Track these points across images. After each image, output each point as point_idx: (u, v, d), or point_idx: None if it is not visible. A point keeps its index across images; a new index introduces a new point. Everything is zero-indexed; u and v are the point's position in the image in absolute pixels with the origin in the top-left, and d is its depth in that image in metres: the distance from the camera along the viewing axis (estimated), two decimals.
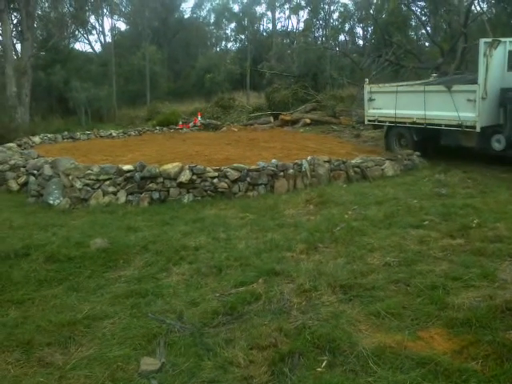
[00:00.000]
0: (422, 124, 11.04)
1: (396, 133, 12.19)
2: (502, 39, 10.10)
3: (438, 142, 11.28)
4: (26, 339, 3.50)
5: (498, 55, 9.84)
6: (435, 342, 3.31)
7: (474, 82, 10.02)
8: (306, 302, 4.00)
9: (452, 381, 2.87)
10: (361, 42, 39.46)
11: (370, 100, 12.55)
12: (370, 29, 35.60)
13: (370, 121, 12.83)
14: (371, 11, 27.73)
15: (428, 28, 25.73)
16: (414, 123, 11.25)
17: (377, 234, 5.73)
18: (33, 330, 3.64)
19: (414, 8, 25.13)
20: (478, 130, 9.83)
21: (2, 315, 3.93)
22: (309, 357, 3.19)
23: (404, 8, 25.51)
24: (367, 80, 13.17)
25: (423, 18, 26.17)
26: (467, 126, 10.00)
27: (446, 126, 10.53)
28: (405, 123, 11.53)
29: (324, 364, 3.11)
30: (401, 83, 12.75)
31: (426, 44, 29.68)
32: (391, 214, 6.53)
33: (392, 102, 11.65)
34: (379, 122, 12.46)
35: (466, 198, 7.35)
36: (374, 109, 12.50)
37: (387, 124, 12.25)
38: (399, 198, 7.46)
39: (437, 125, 10.74)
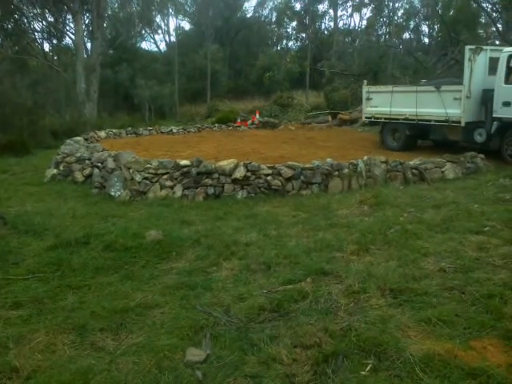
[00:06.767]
0: (413, 120, 12.47)
1: (390, 128, 13.57)
2: (484, 47, 11.69)
3: (427, 136, 12.82)
4: (81, 323, 3.67)
5: (481, 60, 11.22)
6: (488, 354, 3.15)
7: (460, 83, 11.39)
8: (354, 304, 3.93)
9: None
10: (426, 40, 38.19)
11: (368, 99, 14.05)
12: (436, 26, 34.39)
13: (367, 117, 14.35)
14: (438, 8, 26.77)
15: (499, 25, 24.47)
16: (406, 119, 12.69)
17: (433, 238, 5.52)
18: (87, 315, 3.81)
19: (484, 4, 24.01)
20: (463, 124, 11.28)
21: (61, 299, 4.15)
22: (353, 359, 3.13)
23: (474, 4, 24.43)
24: (365, 81, 14.65)
25: (494, 15, 24.93)
26: (453, 121, 11.43)
27: (435, 121, 11.97)
28: (398, 119, 12.96)
29: (368, 368, 3.03)
30: (395, 85, 14.34)
31: (497, 42, 28.26)
32: (449, 218, 6.26)
33: (387, 101, 13.13)
34: (375, 118, 13.92)
35: None
36: (371, 107, 13.99)
37: (382, 120, 13.64)
38: (459, 202, 7.15)
39: (427, 120, 12.19)
